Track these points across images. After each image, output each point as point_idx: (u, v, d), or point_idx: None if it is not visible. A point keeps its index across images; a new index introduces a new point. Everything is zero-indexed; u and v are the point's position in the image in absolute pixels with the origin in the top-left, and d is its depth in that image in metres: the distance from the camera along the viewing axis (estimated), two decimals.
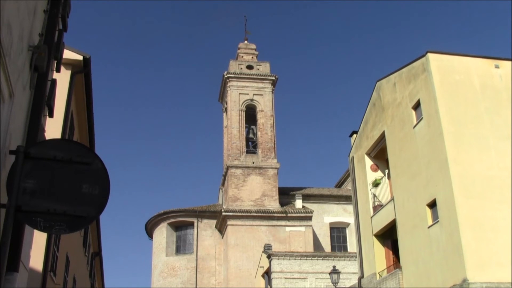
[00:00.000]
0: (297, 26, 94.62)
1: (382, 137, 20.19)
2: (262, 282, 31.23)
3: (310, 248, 35.27)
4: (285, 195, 38.60)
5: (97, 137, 29.76)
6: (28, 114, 5.70)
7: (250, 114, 40.79)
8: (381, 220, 19.67)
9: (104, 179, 4.61)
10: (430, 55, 17.00)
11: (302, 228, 36.52)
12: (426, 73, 16.97)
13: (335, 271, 23.22)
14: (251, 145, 40.22)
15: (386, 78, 20.23)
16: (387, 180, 20.33)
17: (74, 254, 16.73)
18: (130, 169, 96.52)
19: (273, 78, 41.28)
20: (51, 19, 6.22)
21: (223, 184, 40.75)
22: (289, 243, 35.74)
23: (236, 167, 38.01)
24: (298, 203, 37.72)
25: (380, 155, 21.11)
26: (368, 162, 21.58)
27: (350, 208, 32.18)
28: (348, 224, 38.78)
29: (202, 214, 39.38)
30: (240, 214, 36.27)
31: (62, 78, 10.54)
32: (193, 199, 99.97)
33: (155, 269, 40.09)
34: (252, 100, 40.63)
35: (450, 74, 16.75)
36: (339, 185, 45.12)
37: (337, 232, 39.62)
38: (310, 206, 38.19)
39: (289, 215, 36.68)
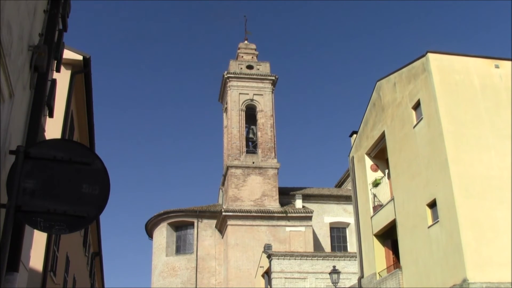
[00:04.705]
0: (297, 26, 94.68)
1: (382, 137, 20.18)
2: (262, 282, 31.21)
3: (310, 248, 35.26)
4: (285, 195, 38.59)
5: (97, 137, 29.77)
6: (28, 114, 5.70)
7: (250, 114, 40.77)
8: (381, 220, 19.67)
9: (104, 179, 4.61)
10: (430, 55, 16.99)
11: (302, 228, 36.51)
12: (426, 73, 16.97)
13: (335, 271, 23.20)
14: (251, 145, 40.20)
15: (386, 78, 20.23)
16: (387, 180, 20.32)
17: (74, 254, 16.74)
18: (130, 169, 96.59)
19: (273, 78, 41.26)
20: (51, 19, 6.22)
21: (223, 184, 40.73)
22: (289, 243, 35.73)
23: (236, 167, 38.00)
24: (298, 203, 37.70)
25: (380, 155, 21.10)
26: (368, 162, 21.57)
27: (350, 208, 32.17)
28: (348, 224, 38.77)
29: (202, 214, 39.38)
30: (240, 214, 36.25)
31: (62, 78, 10.54)
32: (193, 199, 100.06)
33: (155, 269, 40.09)
34: (252, 100, 40.61)
35: (450, 74, 16.74)
36: (339, 185, 45.10)
37: (337, 232, 39.60)
38: (310, 206, 38.17)
39: (289, 215, 36.67)
